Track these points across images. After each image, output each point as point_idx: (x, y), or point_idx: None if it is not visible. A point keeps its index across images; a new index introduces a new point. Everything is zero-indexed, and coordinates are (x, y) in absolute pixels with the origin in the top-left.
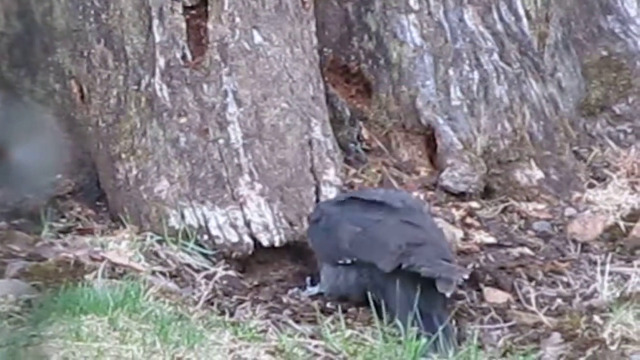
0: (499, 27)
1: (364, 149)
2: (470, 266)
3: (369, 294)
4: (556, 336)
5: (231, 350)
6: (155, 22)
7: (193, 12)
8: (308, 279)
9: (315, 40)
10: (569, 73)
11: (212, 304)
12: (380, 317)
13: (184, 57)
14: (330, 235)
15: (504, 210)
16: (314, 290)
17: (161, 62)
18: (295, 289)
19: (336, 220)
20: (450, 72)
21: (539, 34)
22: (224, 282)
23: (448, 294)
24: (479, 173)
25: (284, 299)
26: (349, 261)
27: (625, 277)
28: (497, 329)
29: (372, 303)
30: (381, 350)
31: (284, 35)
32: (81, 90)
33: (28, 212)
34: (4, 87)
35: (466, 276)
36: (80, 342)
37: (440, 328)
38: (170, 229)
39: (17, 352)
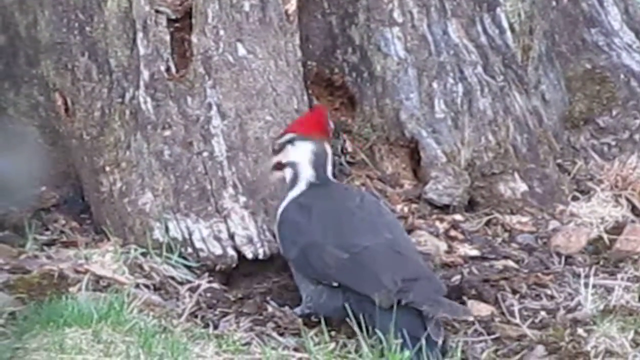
0: (483, 39)
1: (348, 162)
2: (454, 279)
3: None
4: (540, 349)
5: None
6: (140, 35)
7: (177, 24)
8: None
9: (299, 53)
10: (553, 86)
11: (196, 316)
12: (362, 330)
13: (168, 69)
14: (312, 254)
15: (487, 223)
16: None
17: (145, 74)
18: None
19: (318, 243)
20: (434, 84)
21: (522, 46)
22: (208, 294)
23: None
24: (463, 186)
25: (269, 311)
26: (335, 284)
27: (609, 290)
28: (481, 341)
29: (352, 318)
30: None
31: (268, 48)
32: (65, 103)
33: (12, 224)
34: None
35: (471, 318)
36: (64, 354)
37: (424, 341)
38: (154, 242)
39: None
